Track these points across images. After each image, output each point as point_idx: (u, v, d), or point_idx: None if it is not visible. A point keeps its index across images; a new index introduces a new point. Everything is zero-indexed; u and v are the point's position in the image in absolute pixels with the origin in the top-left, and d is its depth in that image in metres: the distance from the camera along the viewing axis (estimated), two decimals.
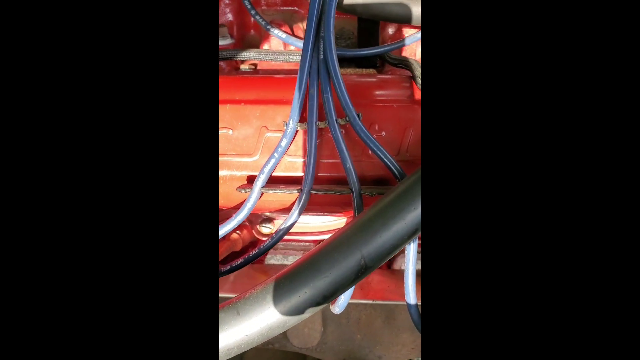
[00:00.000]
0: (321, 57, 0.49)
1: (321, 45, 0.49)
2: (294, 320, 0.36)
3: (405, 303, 0.47)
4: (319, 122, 0.49)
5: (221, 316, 0.36)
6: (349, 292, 0.44)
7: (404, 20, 0.60)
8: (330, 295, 0.35)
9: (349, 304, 0.70)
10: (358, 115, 0.48)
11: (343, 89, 0.47)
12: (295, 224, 0.61)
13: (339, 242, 0.36)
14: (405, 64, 0.62)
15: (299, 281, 0.35)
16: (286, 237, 0.66)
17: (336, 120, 0.48)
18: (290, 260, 0.70)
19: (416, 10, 0.59)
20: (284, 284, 0.36)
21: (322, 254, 0.36)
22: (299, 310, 0.35)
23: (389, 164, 0.47)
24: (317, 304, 0.36)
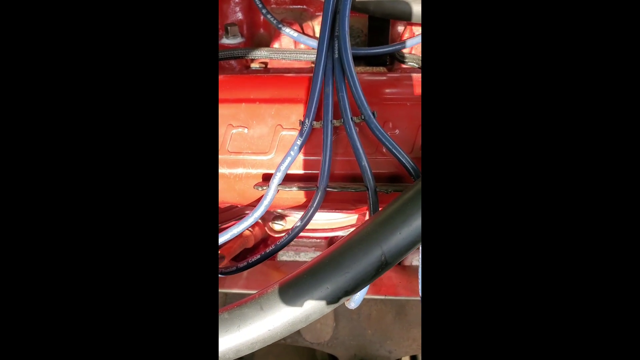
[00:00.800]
0: (336, 56, 0.49)
1: (336, 45, 0.49)
2: (316, 315, 0.37)
3: (415, 298, 0.48)
4: (334, 121, 0.49)
5: (245, 311, 0.37)
6: (365, 288, 0.45)
7: (415, 18, 0.60)
8: (351, 291, 0.36)
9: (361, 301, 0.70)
10: (373, 114, 0.48)
11: (358, 87, 0.48)
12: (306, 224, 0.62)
13: (360, 238, 0.36)
14: (416, 61, 0.62)
15: (321, 277, 0.36)
16: (303, 235, 0.67)
17: (351, 118, 0.48)
18: (302, 256, 0.71)
19: None
20: (306, 279, 0.36)
21: (344, 250, 0.36)
22: (320, 305, 0.36)
23: (403, 161, 0.48)
24: (338, 299, 0.36)
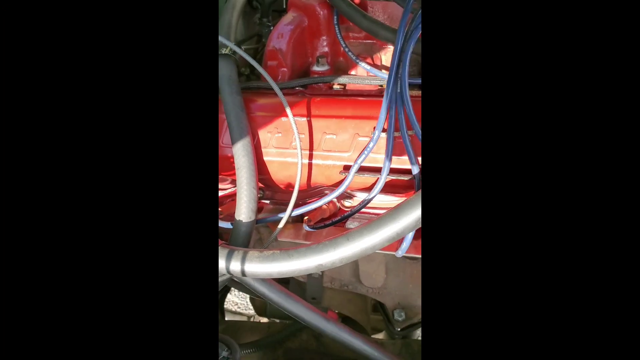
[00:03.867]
0: (398, 90, 0.75)
1: (399, 83, 0.76)
2: (401, 235, 0.62)
3: None
4: (395, 132, 0.76)
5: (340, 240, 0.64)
6: (409, 239, 0.71)
7: None
8: (401, 234, 0.62)
9: (406, 261, 0.98)
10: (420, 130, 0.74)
11: (411, 112, 0.74)
12: (369, 202, 0.88)
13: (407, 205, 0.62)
14: None
15: (386, 223, 0.63)
16: (363, 210, 0.94)
17: (407, 131, 0.74)
18: None
19: None
20: (381, 223, 0.63)
21: (400, 209, 0.63)
22: (385, 240, 0.63)
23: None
24: (393, 238, 0.63)
